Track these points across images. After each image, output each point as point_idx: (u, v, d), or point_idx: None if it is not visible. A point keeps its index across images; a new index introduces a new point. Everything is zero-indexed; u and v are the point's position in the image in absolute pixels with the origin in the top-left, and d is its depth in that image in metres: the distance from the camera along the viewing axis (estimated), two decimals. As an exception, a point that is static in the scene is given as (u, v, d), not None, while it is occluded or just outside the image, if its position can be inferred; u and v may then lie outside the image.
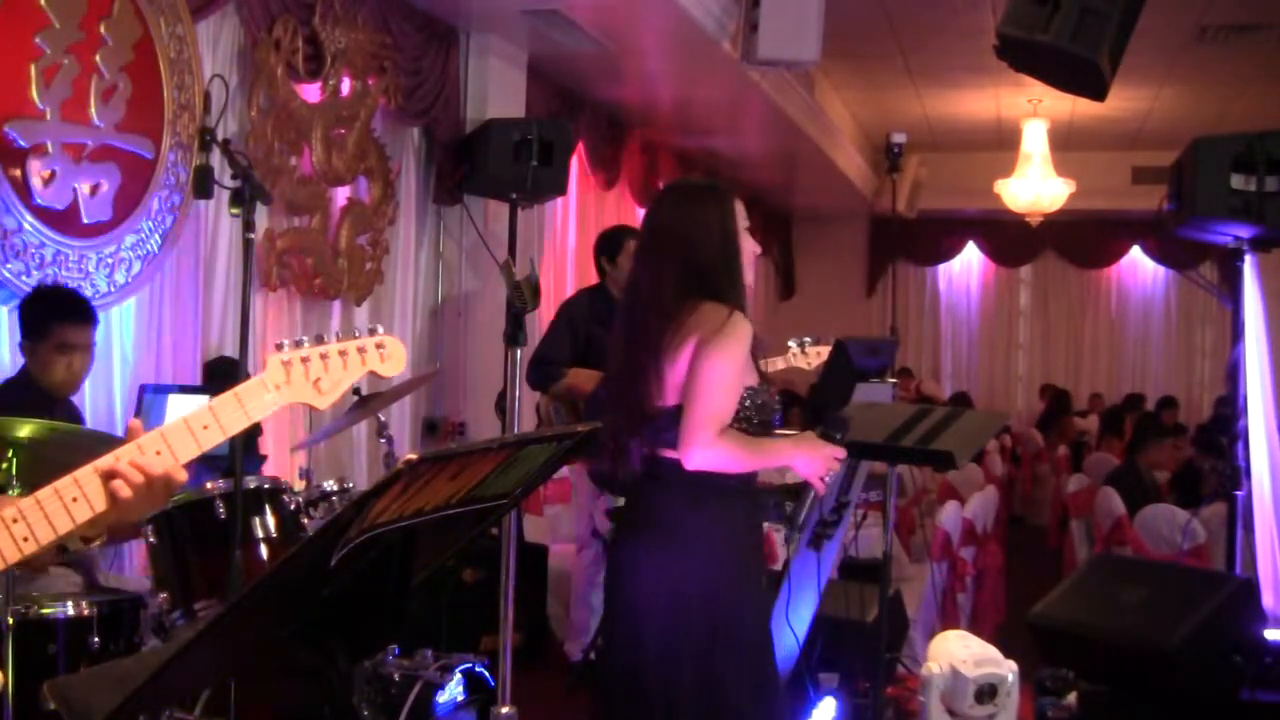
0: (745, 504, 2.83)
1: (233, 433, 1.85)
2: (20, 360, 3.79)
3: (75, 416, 3.89)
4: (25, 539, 1.70)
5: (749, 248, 2.89)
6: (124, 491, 1.75)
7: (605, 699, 2.90)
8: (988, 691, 4.19)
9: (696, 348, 2.71)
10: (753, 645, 2.75)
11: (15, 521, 1.70)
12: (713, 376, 2.69)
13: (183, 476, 1.82)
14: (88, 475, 1.75)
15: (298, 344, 1.94)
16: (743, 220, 2.88)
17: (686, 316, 2.74)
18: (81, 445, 3.02)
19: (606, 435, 2.81)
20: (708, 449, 2.68)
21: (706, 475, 2.73)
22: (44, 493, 1.73)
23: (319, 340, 1.96)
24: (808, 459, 2.79)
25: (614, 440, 2.82)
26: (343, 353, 1.97)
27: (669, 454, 2.75)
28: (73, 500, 1.74)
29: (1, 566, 1.71)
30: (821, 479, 2.80)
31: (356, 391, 4.40)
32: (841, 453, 2.82)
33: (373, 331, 2.03)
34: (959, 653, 4.24)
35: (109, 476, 1.76)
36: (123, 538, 3.84)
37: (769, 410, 2.82)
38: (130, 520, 1.81)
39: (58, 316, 3.70)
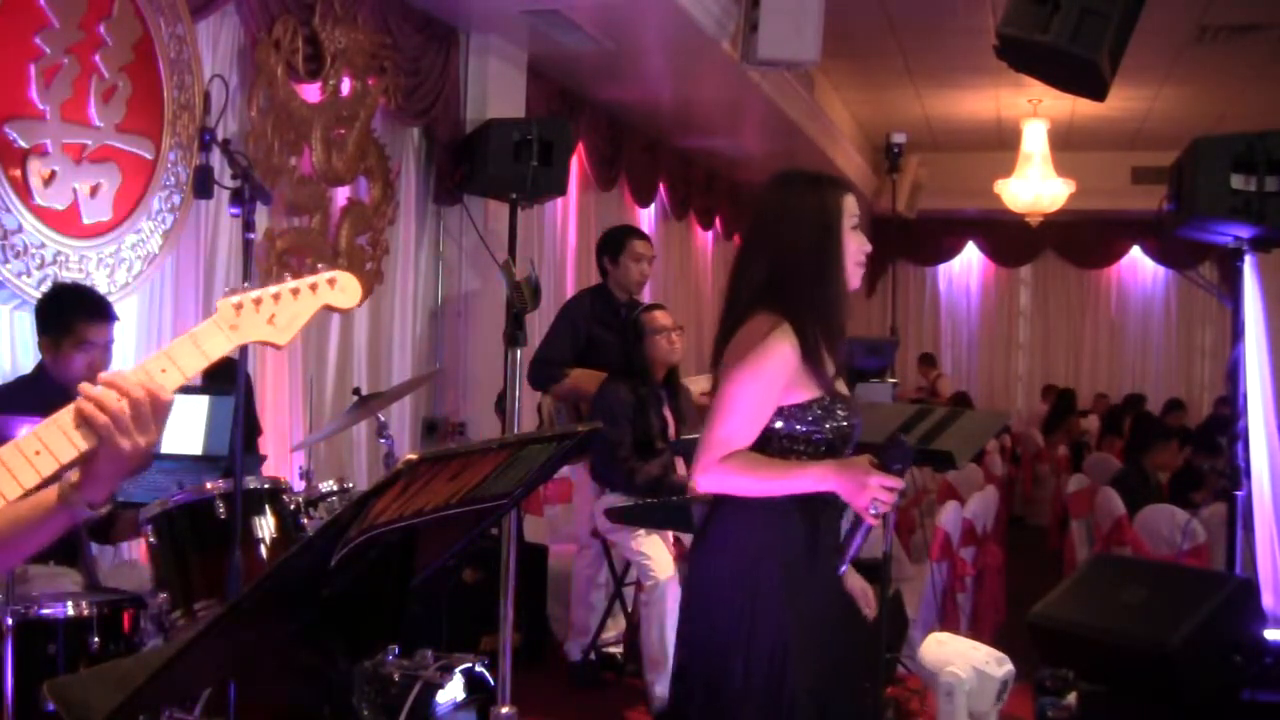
0: (768, 517, 2.61)
1: (191, 374, 1.82)
2: (22, 365, 3.79)
3: None
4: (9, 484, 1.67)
5: (855, 246, 2.69)
6: (99, 417, 1.68)
7: None
8: (1004, 689, 4.26)
9: (728, 360, 2.61)
10: (756, 661, 2.58)
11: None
12: (725, 398, 2.57)
13: (167, 396, 1.75)
14: (66, 414, 1.71)
15: (248, 289, 1.90)
16: (850, 219, 2.69)
17: (739, 330, 2.63)
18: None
19: None
20: (708, 474, 2.57)
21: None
22: (24, 439, 1.69)
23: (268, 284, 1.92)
24: (851, 488, 2.52)
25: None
26: (295, 290, 1.91)
27: None
28: (55, 438, 1.69)
29: None
30: (869, 510, 2.51)
31: (356, 391, 4.42)
32: (896, 483, 2.50)
33: (322, 270, 1.99)
34: (974, 655, 4.28)
35: (82, 416, 1.71)
36: (125, 535, 3.84)
37: (824, 425, 2.61)
38: (124, 454, 1.71)
39: (80, 313, 3.69)
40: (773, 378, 2.56)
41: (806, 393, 2.61)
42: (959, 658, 4.28)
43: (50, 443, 1.70)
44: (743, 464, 2.56)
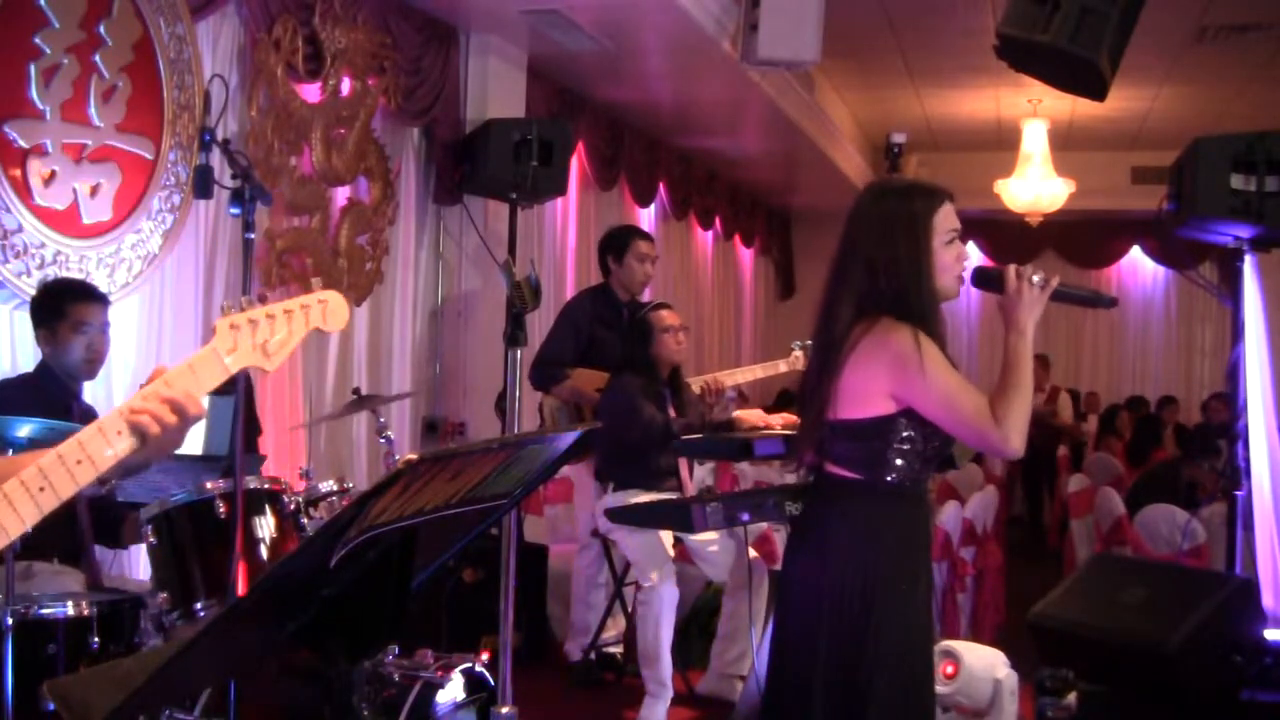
0: (885, 506, 2.66)
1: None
2: (22, 365, 3.79)
3: (94, 417, 3.89)
4: (42, 489, 1.74)
5: (950, 259, 2.70)
6: (153, 427, 1.79)
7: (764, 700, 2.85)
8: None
9: (898, 380, 2.58)
10: (896, 654, 2.62)
11: (42, 489, 1.73)
12: (939, 392, 2.57)
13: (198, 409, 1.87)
14: (110, 421, 1.78)
15: (242, 308, 1.91)
16: (945, 233, 2.68)
17: (860, 336, 2.62)
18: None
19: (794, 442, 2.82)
20: (1007, 434, 2.55)
21: (847, 480, 2.66)
22: (67, 447, 1.75)
23: (262, 300, 1.94)
24: (1022, 308, 2.71)
25: (795, 447, 2.82)
26: (288, 311, 1.93)
27: (831, 468, 2.69)
28: (98, 446, 1.77)
29: (21, 528, 1.73)
30: (1044, 283, 2.73)
31: (356, 391, 4.42)
32: (1023, 270, 2.72)
33: (316, 289, 2.01)
34: (994, 654, 4.31)
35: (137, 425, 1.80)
36: (135, 538, 3.84)
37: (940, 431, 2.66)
38: (161, 456, 1.85)
39: (72, 297, 3.75)
40: (946, 362, 2.62)
41: None
42: (996, 660, 4.29)
43: (93, 451, 1.76)
44: (1004, 402, 2.58)
